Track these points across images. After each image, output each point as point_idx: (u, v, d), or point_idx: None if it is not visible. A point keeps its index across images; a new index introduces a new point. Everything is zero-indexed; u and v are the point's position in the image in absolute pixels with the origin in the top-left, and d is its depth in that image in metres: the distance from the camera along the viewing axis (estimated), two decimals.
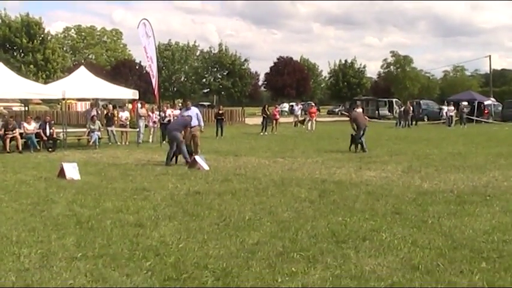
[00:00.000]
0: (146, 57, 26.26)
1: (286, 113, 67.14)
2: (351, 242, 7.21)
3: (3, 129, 21.67)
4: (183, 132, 16.98)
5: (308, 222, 8.40)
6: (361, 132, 20.78)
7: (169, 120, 25.82)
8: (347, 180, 12.93)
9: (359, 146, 20.46)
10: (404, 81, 76.76)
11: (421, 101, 53.92)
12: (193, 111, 18.13)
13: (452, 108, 44.49)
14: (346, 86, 76.96)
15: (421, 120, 48.91)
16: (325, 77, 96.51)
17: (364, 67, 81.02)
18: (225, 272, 6.02)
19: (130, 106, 36.40)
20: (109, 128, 26.31)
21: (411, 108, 44.17)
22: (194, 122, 17.66)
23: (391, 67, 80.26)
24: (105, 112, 28.88)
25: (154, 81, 25.80)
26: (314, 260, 6.47)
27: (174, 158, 16.75)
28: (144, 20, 25.87)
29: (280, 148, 22.45)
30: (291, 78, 78.19)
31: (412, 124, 42.95)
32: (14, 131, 21.81)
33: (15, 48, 55.81)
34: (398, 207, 9.57)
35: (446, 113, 44.57)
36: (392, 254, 6.68)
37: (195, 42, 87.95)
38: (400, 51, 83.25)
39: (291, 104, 73.78)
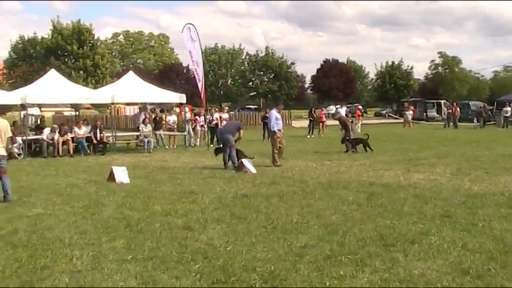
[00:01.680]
0: (192, 62, 26.43)
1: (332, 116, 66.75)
2: (400, 245, 7.14)
3: (56, 134, 22.16)
4: (236, 135, 16.97)
5: (356, 225, 8.35)
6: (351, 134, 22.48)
7: (216, 124, 26.02)
8: (395, 183, 12.79)
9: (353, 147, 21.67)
10: (452, 82, 75.80)
11: (470, 102, 52.80)
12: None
13: (509, 109, 43.45)
14: (393, 88, 76.58)
15: (471, 122, 47.73)
16: (371, 79, 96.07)
17: (412, 68, 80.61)
18: (273, 275, 6.03)
19: (178, 110, 36.73)
20: (157, 132, 26.63)
21: (458, 109, 43.40)
22: (280, 126, 17.44)
23: (439, 68, 79.42)
24: (153, 116, 29.28)
25: (200, 85, 25.98)
26: (362, 263, 6.43)
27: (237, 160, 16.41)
28: (188, 24, 26.07)
29: (327, 151, 22.38)
30: (337, 81, 77.97)
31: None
32: (66, 135, 22.31)
33: (65, 54, 56.97)
34: (448, 210, 9.44)
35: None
36: (441, 258, 6.59)
37: (240, 45, 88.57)
38: (448, 52, 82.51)
39: (336, 106, 73.46)
